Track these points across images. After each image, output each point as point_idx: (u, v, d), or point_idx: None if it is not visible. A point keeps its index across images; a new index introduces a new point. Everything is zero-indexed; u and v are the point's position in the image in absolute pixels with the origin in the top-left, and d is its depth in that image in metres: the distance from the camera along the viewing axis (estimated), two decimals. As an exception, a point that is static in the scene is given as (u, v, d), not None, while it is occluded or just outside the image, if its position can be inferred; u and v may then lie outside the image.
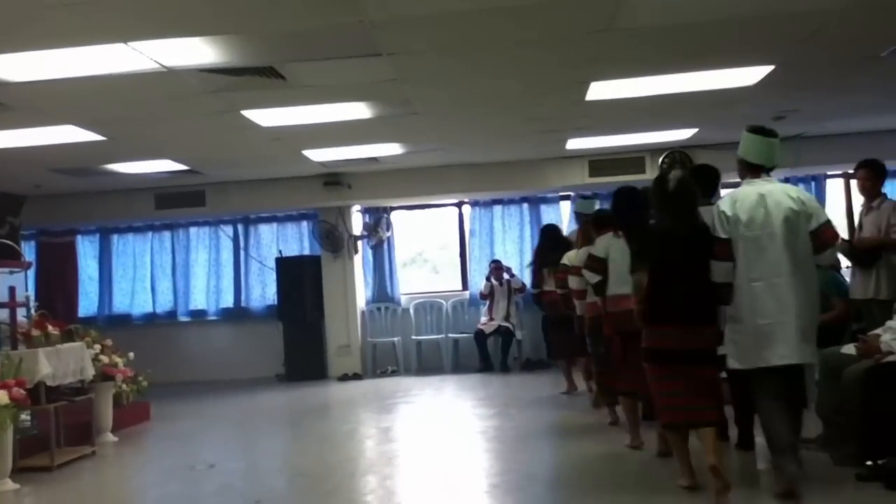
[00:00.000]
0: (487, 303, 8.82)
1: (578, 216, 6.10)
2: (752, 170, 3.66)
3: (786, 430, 3.43)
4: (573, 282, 5.42)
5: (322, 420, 6.78)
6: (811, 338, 3.48)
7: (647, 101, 5.87)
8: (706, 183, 4.42)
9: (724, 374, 3.82)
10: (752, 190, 3.59)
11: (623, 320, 4.19)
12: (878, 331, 4.09)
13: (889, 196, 5.46)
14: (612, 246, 4.54)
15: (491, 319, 8.71)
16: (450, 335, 9.12)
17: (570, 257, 5.74)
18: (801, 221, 3.49)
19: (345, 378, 8.88)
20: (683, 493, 3.64)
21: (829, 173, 8.94)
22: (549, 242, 6.95)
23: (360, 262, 9.41)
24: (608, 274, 4.52)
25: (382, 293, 9.43)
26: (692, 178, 3.87)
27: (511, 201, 9.33)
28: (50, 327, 5.31)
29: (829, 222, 3.57)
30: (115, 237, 9.88)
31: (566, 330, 6.07)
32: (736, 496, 3.45)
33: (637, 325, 3.71)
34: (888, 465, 3.51)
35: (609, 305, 4.52)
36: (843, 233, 4.91)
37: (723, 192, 4.82)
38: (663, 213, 3.67)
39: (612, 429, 5.22)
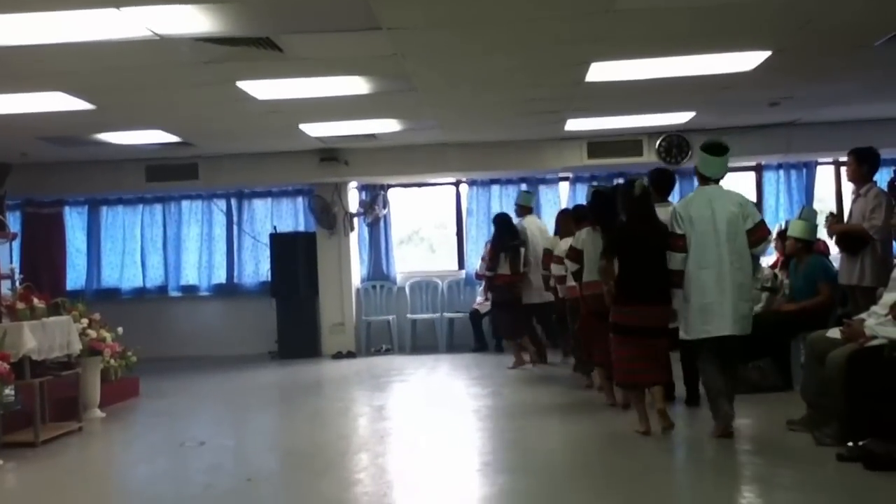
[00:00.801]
0: (483, 283, 8.78)
1: (520, 208, 7.50)
2: (704, 180, 4.49)
3: (721, 383, 4.29)
4: (556, 269, 6.29)
5: (315, 398, 6.74)
6: (746, 314, 4.32)
7: (646, 83, 5.85)
8: (664, 185, 5.36)
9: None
10: (702, 195, 4.44)
11: (595, 301, 5.03)
12: (862, 315, 4.19)
13: (880, 185, 5.49)
14: (587, 239, 5.37)
15: (486, 299, 8.67)
16: (445, 314, 9.09)
17: (554, 245, 6.52)
18: (740, 222, 4.31)
19: (338, 356, 8.84)
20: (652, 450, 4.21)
21: (820, 160, 8.98)
22: (508, 229, 7.54)
23: (356, 240, 9.33)
24: (584, 263, 5.35)
25: (378, 271, 9.36)
26: (652, 180, 5.09)
27: (509, 181, 9.25)
28: (35, 300, 5.20)
29: (762, 222, 4.46)
30: (104, 209, 9.72)
31: (514, 311, 7.31)
32: (684, 438, 4.52)
33: (606, 306, 4.60)
34: (868, 447, 3.59)
35: (584, 290, 5.35)
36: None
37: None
38: (630, 214, 4.56)
39: (602, 407, 5.35)
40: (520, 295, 7.30)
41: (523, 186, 8.93)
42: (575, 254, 5.49)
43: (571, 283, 5.75)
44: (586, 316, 5.36)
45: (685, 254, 4.29)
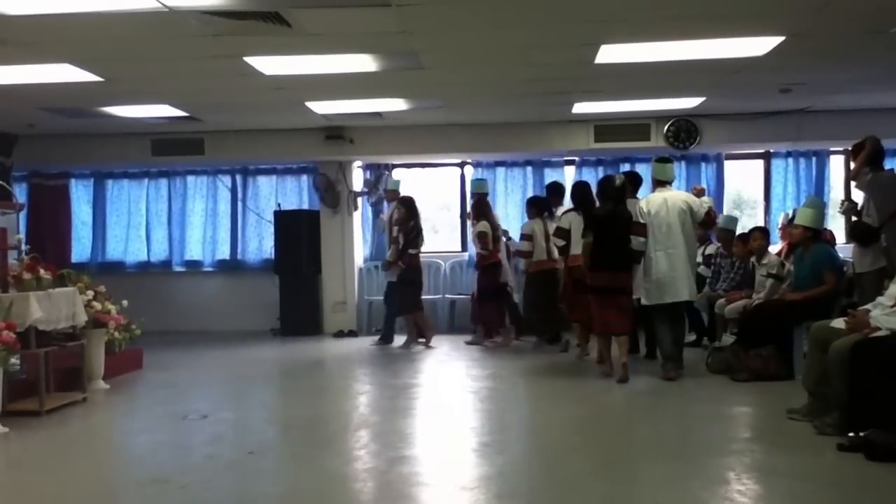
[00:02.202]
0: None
1: (474, 195, 7.90)
2: (660, 184, 5.92)
3: (670, 342, 5.78)
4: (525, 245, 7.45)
5: (316, 375, 6.79)
6: (691, 286, 5.80)
7: (656, 66, 5.82)
8: (636, 184, 6.67)
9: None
10: (659, 195, 5.86)
11: (577, 271, 6.22)
12: (867, 306, 4.19)
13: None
14: (573, 220, 6.46)
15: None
16: (447, 296, 9.11)
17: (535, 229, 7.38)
18: (687, 216, 5.75)
19: (340, 335, 8.88)
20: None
21: (832, 149, 8.88)
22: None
23: (359, 219, 9.33)
24: (570, 240, 6.46)
25: (380, 251, 9.35)
26: (629, 179, 6.37)
27: (514, 164, 9.22)
28: (41, 271, 5.22)
29: (710, 210, 6.11)
30: (109, 182, 9.72)
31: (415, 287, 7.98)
32: (642, 381, 5.72)
33: (584, 274, 5.93)
34: (870, 437, 3.58)
35: (569, 262, 6.54)
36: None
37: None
38: (608, 201, 5.83)
39: (598, 389, 5.54)
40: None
41: (476, 174, 9.08)
42: (562, 232, 6.55)
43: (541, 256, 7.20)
44: (569, 283, 6.58)
45: (645, 238, 5.68)
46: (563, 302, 6.93)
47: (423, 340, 7.88)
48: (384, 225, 8.44)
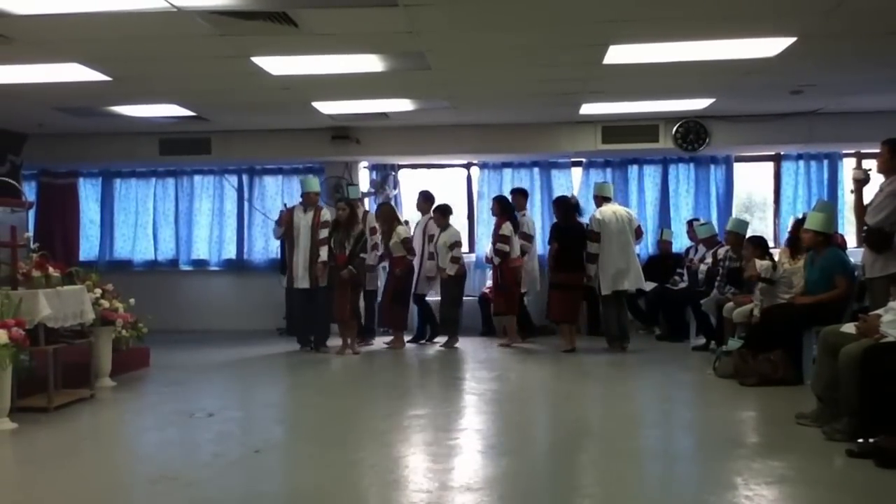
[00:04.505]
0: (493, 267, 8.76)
1: (306, 195, 7.67)
2: (604, 199, 7.48)
3: (616, 324, 7.33)
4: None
5: (321, 374, 6.79)
6: (638, 276, 7.39)
7: (665, 67, 5.79)
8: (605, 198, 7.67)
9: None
10: (609, 208, 7.40)
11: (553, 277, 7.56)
12: (879, 311, 4.13)
13: None
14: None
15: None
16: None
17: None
18: (628, 225, 7.36)
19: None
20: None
21: (844, 152, 8.80)
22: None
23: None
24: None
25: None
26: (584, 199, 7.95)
27: (521, 165, 9.20)
28: (51, 269, 5.24)
29: (639, 226, 7.71)
30: (117, 181, 9.77)
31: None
32: (650, 386, 6.03)
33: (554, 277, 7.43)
34: (880, 443, 3.54)
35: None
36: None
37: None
38: (567, 216, 7.36)
39: (606, 393, 5.59)
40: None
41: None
42: (505, 239, 7.59)
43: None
44: (510, 283, 7.71)
45: (598, 243, 7.19)
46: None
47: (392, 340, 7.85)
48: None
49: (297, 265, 7.53)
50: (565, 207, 7.35)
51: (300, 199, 7.82)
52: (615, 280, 7.19)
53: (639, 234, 7.58)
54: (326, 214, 7.60)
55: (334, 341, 7.65)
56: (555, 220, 7.54)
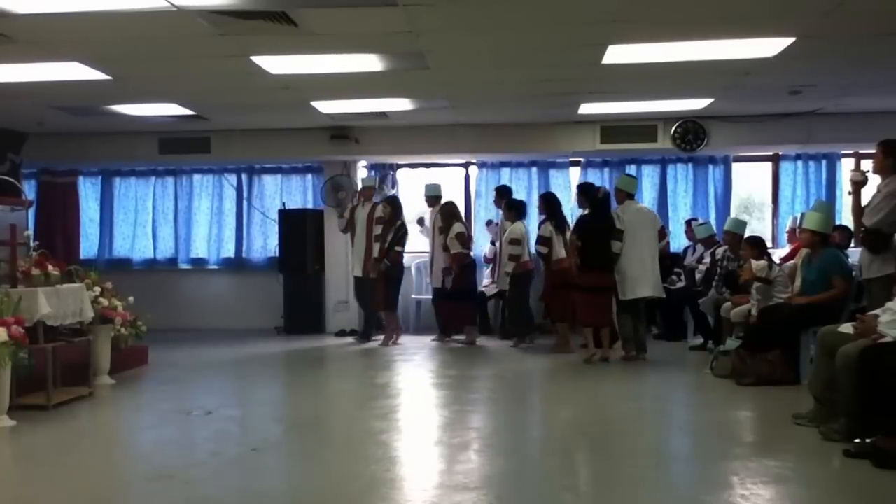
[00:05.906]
0: (490, 266, 8.78)
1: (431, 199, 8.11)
2: (628, 195, 6.86)
3: (631, 330, 6.77)
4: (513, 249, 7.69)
5: (319, 374, 6.81)
6: (658, 283, 6.80)
7: (664, 67, 5.80)
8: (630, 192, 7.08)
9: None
10: (630, 205, 6.84)
11: (560, 275, 7.19)
12: (876, 311, 4.13)
13: None
14: (553, 230, 7.31)
15: (493, 283, 8.68)
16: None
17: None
18: (652, 225, 6.84)
19: (342, 333, 8.89)
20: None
21: (843, 152, 8.82)
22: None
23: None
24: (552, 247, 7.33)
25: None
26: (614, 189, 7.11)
27: (520, 164, 9.21)
28: (50, 267, 5.25)
29: (662, 227, 7.17)
30: (117, 180, 9.78)
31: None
32: (648, 387, 5.91)
33: (567, 278, 6.96)
34: (877, 444, 3.55)
35: (553, 266, 7.35)
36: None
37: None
38: (594, 211, 6.68)
39: (604, 390, 5.57)
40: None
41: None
42: (544, 241, 7.30)
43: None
44: (552, 286, 7.37)
45: (622, 242, 6.61)
46: (546, 304, 7.70)
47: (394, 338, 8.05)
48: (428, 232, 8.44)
49: (355, 256, 8.18)
50: (593, 199, 6.66)
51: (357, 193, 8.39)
52: (634, 285, 6.62)
53: (662, 235, 6.99)
54: (380, 210, 7.97)
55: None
56: (582, 212, 7.00)
